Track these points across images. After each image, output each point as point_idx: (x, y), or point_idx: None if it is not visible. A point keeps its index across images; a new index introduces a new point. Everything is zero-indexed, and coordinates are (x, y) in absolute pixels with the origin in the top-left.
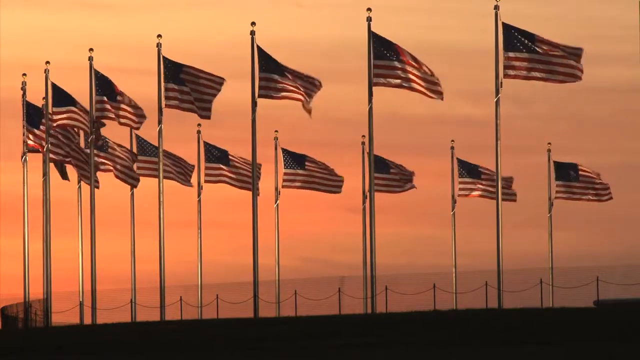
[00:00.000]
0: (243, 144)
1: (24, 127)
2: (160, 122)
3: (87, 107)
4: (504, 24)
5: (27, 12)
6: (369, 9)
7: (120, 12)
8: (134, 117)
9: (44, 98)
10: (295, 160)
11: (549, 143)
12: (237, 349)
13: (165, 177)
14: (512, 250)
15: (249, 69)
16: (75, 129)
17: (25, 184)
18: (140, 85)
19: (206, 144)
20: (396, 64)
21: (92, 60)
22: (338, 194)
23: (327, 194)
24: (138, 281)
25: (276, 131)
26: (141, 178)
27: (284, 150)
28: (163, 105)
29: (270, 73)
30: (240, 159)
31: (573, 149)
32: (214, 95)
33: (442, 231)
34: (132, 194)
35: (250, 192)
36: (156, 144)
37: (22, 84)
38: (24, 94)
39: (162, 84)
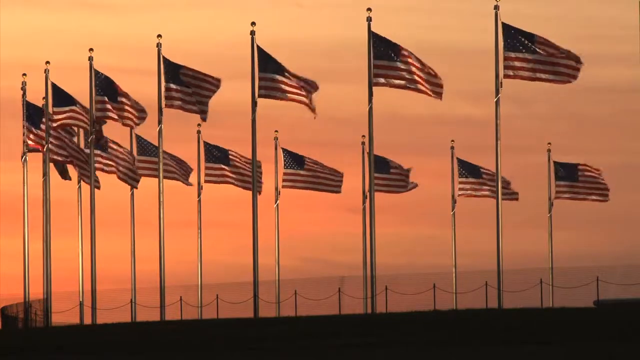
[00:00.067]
0: (243, 144)
1: (24, 127)
2: (160, 122)
3: (88, 106)
4: (504, 24)
5: (27, 12)
6: (369, 9)
7: (120, 12)
8: (134, 116)
9: (44, 98)
10: (295, 160)
11: (549, 143)
12: (237, 349)
13: (167, 177)
14: (512, 250)
15: (249, 69)
16: (75, 128)
17: (25, 184)
18: (140, 85)
19: (206, 144)
20: (396, 64)
21: (92, 60)
22: (338, 193)
23: (327, 193)
24: (138, 281)
25: (276, 131)
26: (142, 178)
27: (284, 150)
28: (163, 105)
29: (270, 73)
30: (240, 158)
31: (573, 149)
32: (209, 97)
33: (442, 231)
34: (132, 194)
35: (250, 192)
36: (156, 144)
37: (22, 84)
38: (24, 94)
39: (162, 84)
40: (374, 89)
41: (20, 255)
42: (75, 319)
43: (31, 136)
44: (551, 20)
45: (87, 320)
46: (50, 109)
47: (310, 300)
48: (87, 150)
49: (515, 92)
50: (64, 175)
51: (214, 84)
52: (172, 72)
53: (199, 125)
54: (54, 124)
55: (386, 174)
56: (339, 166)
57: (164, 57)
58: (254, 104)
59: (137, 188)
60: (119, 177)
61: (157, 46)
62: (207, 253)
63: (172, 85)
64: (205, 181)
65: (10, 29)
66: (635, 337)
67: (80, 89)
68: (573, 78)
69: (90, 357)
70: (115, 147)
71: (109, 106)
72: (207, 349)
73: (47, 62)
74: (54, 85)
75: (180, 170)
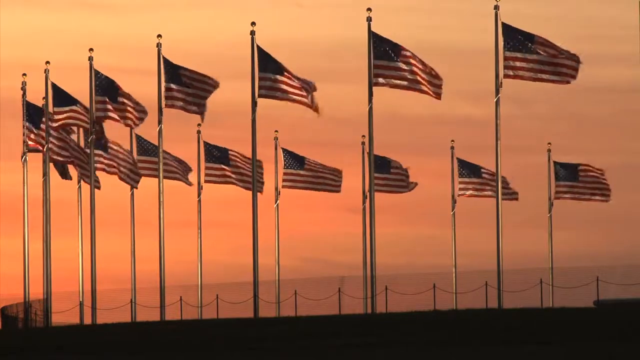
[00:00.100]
0: (243, 144)
1: (24, 127)
2: (160, 122)
3: (88, 106)
4: (504, 24)
5: (27, 12)
6: (369, 9)
7: (120, 12)
8: (135, 117)
9: (44, 98)
10: (295, 160)
11: (549, 143)
12: (237, 349)
13: (169, 177)
14: (512, 250)
15: (249, 69)
16: (76, 127)
17: (25, 184)
18: (140, 85)
19: (206, 144)
20: (396, 64)
21: (92, 60)
22: (337, 192)
23: (327, 193)
24: (138, 281)
25: (276, 131)
26: (141, 178)
27: (284, 150)
28: (163, 105)
29: (270, 73)
30: (240, 157)
31: (573, 149)
32: (206, 97)
33: (442, 231)
34: (132, 194)
35: (250, 192)
36: (156, 144)
37: (22, 84)
38: (24, 94)
39: (162, 84)
40: (374, 89)
41: (20, 255)
42: (75, 319)
43: (32, 136)
44: (551, 20)
45: (87, 320)
46: (50, 109)
47: (310, 300)
48: (88, 150)
49: (515, 92)
50: (64, 175)
51: (212, 84)
52: (172, 72)
53: (199, 125)
54: (55, 124)
55: (386, 174)
56: (338, 166)
57: (164, 57)
58: (254, 104)
59: (137, 188)
60: (120, 178)
61: (157, 46)
62: (207, 253)
63: (172, 86)
64: (206, 181)
65: (10, 29)
66: (635, 337)
67: (80, 89)
68: (572, 78)
69: (90, 357)
70: (115, 147)
71: (109, 106)
72: (207, 349)
73: (47, 62)
74: (54, 85)
75: (182, 169)
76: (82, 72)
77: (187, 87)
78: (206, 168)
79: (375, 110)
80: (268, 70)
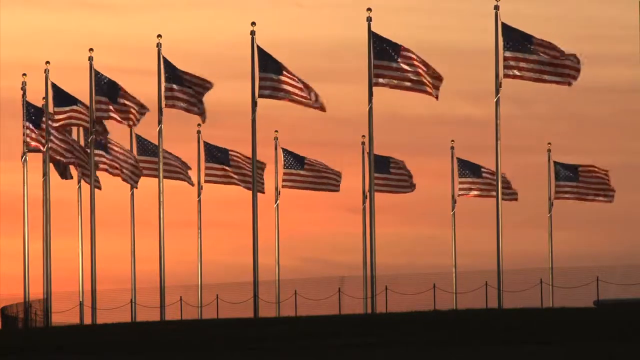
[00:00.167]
0: (243, 144)
1: (24, 127)
2: (160, 122)
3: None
4: (504, 25)
5: (27, 12)
6: (369, 9)
7: (120, 12)
8: (136, 113)
9: (44, 98)
10: (295, 160)
11: (549, 143)
12: (237, 349)
13: (172, 177)
14: (512, 250)
15: (249, 69)
16: (77, 127)
17: (25, 184)
18: (140, 85)
19: (206, 144)
20: (396, 64)
21: (92, 60)
22: (336, 192)
23: (327, 193)
24: (138, 281)
25: (276, 131)
26: (141, 178)
27: (284, 150)
28: (163, 105)
29: (270, 73)
30: (241, 157)
31: (573, 149)
32: (202, 99)
33: (442, 231)
34: (132, 194)
35: (250, 192)
36: (156, 143)
37: (22, 84)
38: (24, 94)
39: (162, 84)
40: (374, 89)
41: (20, 255)
42: (75, 319)
43: (33, 135)
44: (551, 20)
45: (87, 320)
46: (50, 109)
47: (310, 300)
48: (88, 150)
49: (515, 92)
50: (64, 175)
51: (207, 86)
52: (172, 72)
53: (199, 125)
54: (56, 124)
55: (386, 174)
56: (339, 166)
57: (164, 57)
58: (254, 104)
59: (136, 187)
60: (123, 179)
61: (157, 46)
62: (207, 253)
63: (172, 86)
64: (206, 181)
65: (10, 29)
66: (635, 337)
67: (80, 89)
68: (573, 79)
69: (90, 357)
70: (117, 147)
71: (110, 107)
72: (207, 349)
73: (47, 62)
74: (54, 85)
75: (183, 168)
76: (82, 72)
77: (188, 87)
78: (206, 168)
79: (375, 110)
80: (268, 70)
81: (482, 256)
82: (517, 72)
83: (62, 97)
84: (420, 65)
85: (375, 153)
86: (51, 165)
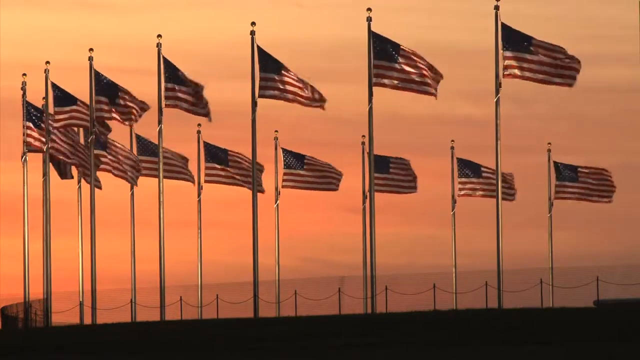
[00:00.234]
0: (243, 144)
1: (24, 127)
2: (160, 122)
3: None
4: (503, 25)
5: (27, 12)
6: (369, 9)
7: (120, 12)
8: (136, 110)
9: (44, 98)
10: (295, 159)
11: (549, 143)
12: (237, 349)
13: (170, 177)
14: (512, 250)
15: (249, 69)
16: (78, 128)
17: (25, 184)
18: (140, 85)
19: (206, 144)
20: (396, 64)
21: (92, 60)
22: (336, 191)
23: (327, 193)
24: (138, 281)
25: (276, 131)
26: (141, 178)
27: (284, 150)
28: (163, 105)
29: (271, 73)
30: (241, 157)
31: (573, 149)
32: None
33: (442, 231)
34: (132, 194)
35: (250, 192)
36: (156, 142)
37: (22, 84)
38: (24, 94)
39: (162, 84)
40: (374, 89)
41: (20, 255)
42: (75, 319)
43: (34, 135)
44: (551, 20)
45: (87, 320)
46: (50, 109)
47: (310, 300)
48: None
49: (515, 92)
50: (64, 175)
51: (197, 90)
52: (172, 72)
53: (199, 125)
54: (57, 124)
55: (386, 174)
56: (339, 166)
57: (164, 57)
58: (254, 104)
59: (136, 185)
60: (127, 180)
61: (157, 46)
62: (207, 253)
63: (173, 86)
64: (206, 181)
65: (10, 29)
66: (635, 337)
67: (80, 89)
68: (572, 80)
69: (90, 357)
70: (120, 145)
71: (110, 107)
72: (207, 349)
73: (47, 62)
74: (54, 85)
75: (183, 165)
76: (82, 72)
77: (189, 87)
78: (206, 168)
79: (375, 110)
80: (268, 70)
81: (482, 256)
82: (517, 72)
83: (62, 97)
84: (421, 65)
85: (375, 153)
86: (51, 165)
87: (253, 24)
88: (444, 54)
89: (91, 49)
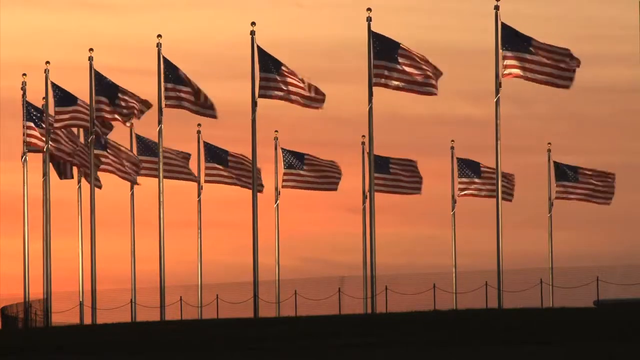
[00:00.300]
0: (243, 144)
1: (24, 127)
2: (160, 122)
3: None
4: (503, 25)
5: (27, 12)
6: (369, 9)
7: (120, 12)
8: (137, 108)
9: (44, 98)
10: (295, 158)
11: (549, 143)
12: (237, 349)
13: (170, 177)
14: (512, 250)
15: (249, 69)
16: (79, 128)
17: (25, 184)
18: (140, 85)
19: (206, 144)
20: (396, 65)
21: (92, 60)
22: (335, 190)
23: (327, 193)
24: (138, 281)
25: (276, 131)
26: (141, 178)
27: (284, 150)
28: (163, 105)
29: (271, 73)
30: (241, 157)
31: (573, 149)
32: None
33: (442, 231)
34: (132, 194)
35: (250, 192)
36: (156, 141)
37: (22, 84)
38: (24, 94)
39: (162, 84)
40: (374, 89)
41: (20, 255)
42: (75, 319)
43: (36, 134)
44: (551, 20)
45: (87, 320)
46: (50, 109)
47: (310, 300)
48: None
49: (515, 92)
50: (64, 174)
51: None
52: (172, 72)
53: (199, 125)
54: (59, 124)
55: (386, 174)
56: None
57: (164, 57)
58: (254, 104)
59: (138, 184)
60: (129, 181)
61: (157, 46)
62: (207, 253)
63: (172, 85)
64: (206, 181)
65: (10, 29)
66: (635, 337)
67: (80, 89)
68: (570, 81)
69: (90, 357)
70: (120, 148)
71: (110, 108)
72: (207, 349)
73: (47, 62)
74: (54, 85)
75: (183, 163)
76: (82, 72)
77: (190, 86)
78: (206, 168)
79: (375, 110)
80: (268, 70)
81: (482, 256)
82: (517, 72)
83: (63, 97)
84: (421, 63)
85: (376, 153)
86: (51, 165)
87: (253, 24)
88: (444, 54)
89: (91, 49)
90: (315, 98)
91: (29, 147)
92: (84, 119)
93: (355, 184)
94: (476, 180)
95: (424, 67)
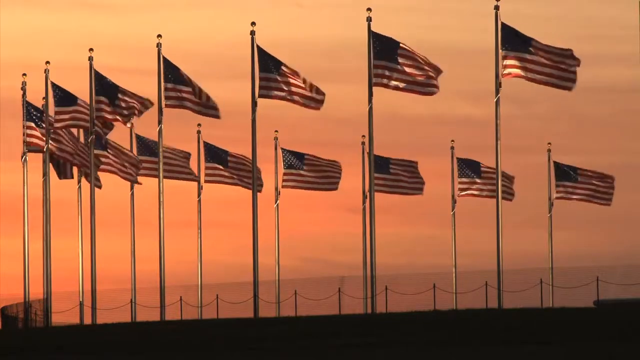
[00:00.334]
0: (243, 144)
1: (24, 127)
2: (160, 122)
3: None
4: (503, 25)
5: (27, 12)
6: (369, 9)
7: (120, 12)
8: (137, 107)
9: (44, 98)
10: (295, 158)
11: (549, 143)
12: (237, 349)
13: (170, 177)
14: (512, 250)
15: (249, 69)
16: (80, 128)
17: (25, 184)
18: (140, 85)
19: (206, 144)
20: (397, 65)
21: (92, 60)
22: (335, 190)
23: (327, 193)
24: (138, 281)
25: (276, 131)
26: (141, 178)
27: (284, 150)
28: (163, 105)
29: (271, 73)
30: (241, 157)
31: (573, 149)
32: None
33: (442, 231)
34: (132, 194)
35: (250, 192)
36: (156, 140)
37: (22, 84)
38: (24, 94)
39: (162, 84)
40: (374, 89)
41: (20, 255)
42: (75, 319)
43: (37, 134)
44: (551, 20)
45: (87, 320)
46: (50, 109)
47: (310, 300)
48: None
49: (515, 92)
50: (64, 174)
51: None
52: (173, 72)
53: (199, 125)
54: (59, 124)
55: (386, 174)
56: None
57: (164, 57)
58: (254, 104)
59: (138, 183)
60: (130, 181)
61: (157, 46)
62: (207, 253)
63: (174, 86)
64: (206, 181)
65: (10, 29)
66: (635, 337)
67: (80, 89)
68: (572, 82)
69: (90, 357)
70: (120, 148)
71: (110, 108)
72: (207, 349)
73: (47, 62)
74: (54, 85)
75: (183, 161)
76: (82, 72)
77: (191, 86)
78: (206, 168)
79: (375, 110)
80: (268, 70)
81: (482, 256)
82: (517, 72)
83: (64, 97)
84: (421, 63)
85: (376, 153)
86: (51, 164)
87: (253, 24)
88: (444, 54)
89: (91, 49)
90: (315, 98)
91: (29, 147)
92: (84, 119)
93: (355, 184)
94: (476, 180)
95: (425, 66)
